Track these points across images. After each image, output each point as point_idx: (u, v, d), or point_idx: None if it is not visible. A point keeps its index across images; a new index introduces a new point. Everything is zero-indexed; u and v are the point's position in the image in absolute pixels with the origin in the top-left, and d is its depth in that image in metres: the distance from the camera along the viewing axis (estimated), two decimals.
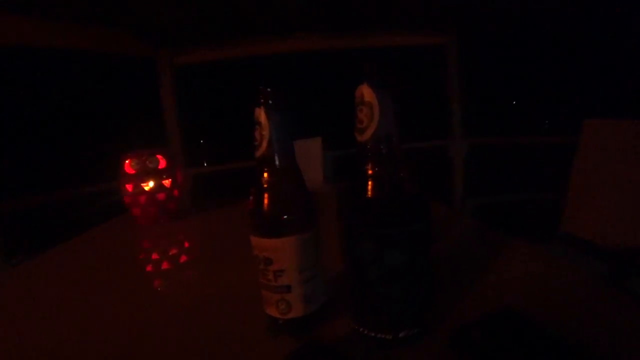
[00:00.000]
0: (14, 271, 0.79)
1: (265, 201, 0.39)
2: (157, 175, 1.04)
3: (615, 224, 1.05)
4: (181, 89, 2.32)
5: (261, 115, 0.38)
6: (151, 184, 1.03)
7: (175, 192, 1.09)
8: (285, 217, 0.39)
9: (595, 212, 1.10)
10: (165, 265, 0.74)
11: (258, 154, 0.39)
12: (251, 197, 0.40)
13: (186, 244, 0.91)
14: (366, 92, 0.34)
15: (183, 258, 0.79)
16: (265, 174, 0.39)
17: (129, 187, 1.03)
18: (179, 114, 2.26)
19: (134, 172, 1.02)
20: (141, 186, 1.02)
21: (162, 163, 1.06)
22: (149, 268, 0.76)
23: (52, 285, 0.68)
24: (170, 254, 0.81)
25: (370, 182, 0.34)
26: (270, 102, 0.38)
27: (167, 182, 1.05)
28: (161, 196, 1.04)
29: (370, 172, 0.34)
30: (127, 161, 1.03)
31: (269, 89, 0.38)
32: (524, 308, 0.42)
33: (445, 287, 0.49)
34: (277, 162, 0.39)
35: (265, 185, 0.39)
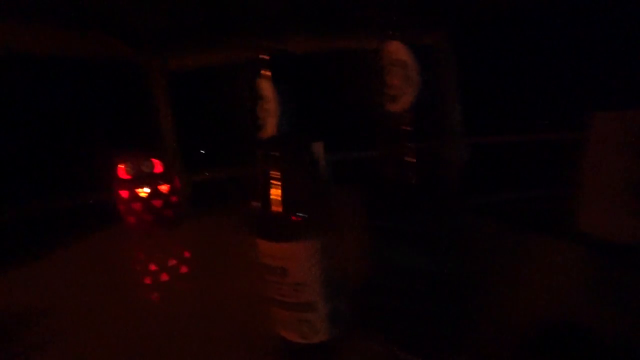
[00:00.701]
0: None
1: (277, 196, 0.30)
2: (152, 180, 0.96)
3: (632, 220, 0.96)
4: (179, 95, 2.24)
5: (265, 86, 0.30)
6: (147, 190, 0.94)
7: (174, 199, 1.01)
8: (305, 215, 0.30)
9: (610, 209, 1.02)
10: (163, 277, 0.66)
11: (264, 135, 0.31)
12: (257, 192, 0.32)
13: (186, 254, 0.83)
14: (399, 49, 0.25)
15: (181, 269, 0.70)
16: (275, 162, 0.31)
17: (123, 193, 0.94)
18: (174, 119, 2.18)
19: (128, 177, 0.94)
20: (136, 192, 0.94)
21: (158, 167, 0.97)
22: (146, 280, 0.67)
23: (38, 298, 0.60)
24: (166, 264, 0.73)
25: (405, 165, 0.26)
26: (276, 66, 0.29)
27: (164, 188, 0.97)
28: (157, 203, 0.96)
29: (402, 151, 0.26)
30: (120, 166, 0.95)
31: (275, 49, 0.29)
32: (582, 320, 0.33)
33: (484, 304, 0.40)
34: (289, 146, 0.31)
35: (276, 176, 0.30)
